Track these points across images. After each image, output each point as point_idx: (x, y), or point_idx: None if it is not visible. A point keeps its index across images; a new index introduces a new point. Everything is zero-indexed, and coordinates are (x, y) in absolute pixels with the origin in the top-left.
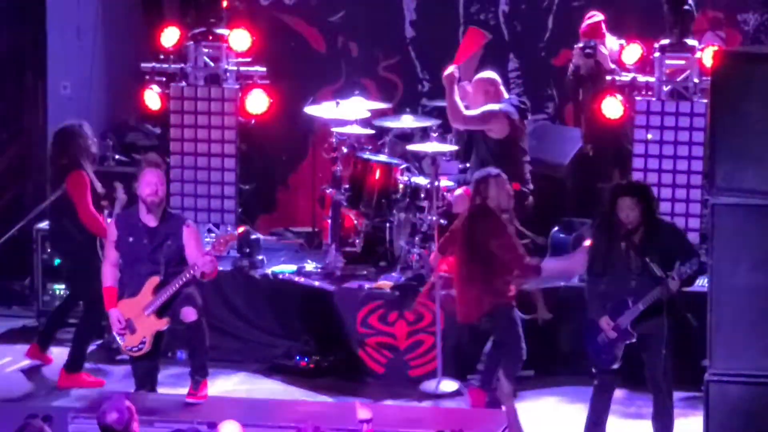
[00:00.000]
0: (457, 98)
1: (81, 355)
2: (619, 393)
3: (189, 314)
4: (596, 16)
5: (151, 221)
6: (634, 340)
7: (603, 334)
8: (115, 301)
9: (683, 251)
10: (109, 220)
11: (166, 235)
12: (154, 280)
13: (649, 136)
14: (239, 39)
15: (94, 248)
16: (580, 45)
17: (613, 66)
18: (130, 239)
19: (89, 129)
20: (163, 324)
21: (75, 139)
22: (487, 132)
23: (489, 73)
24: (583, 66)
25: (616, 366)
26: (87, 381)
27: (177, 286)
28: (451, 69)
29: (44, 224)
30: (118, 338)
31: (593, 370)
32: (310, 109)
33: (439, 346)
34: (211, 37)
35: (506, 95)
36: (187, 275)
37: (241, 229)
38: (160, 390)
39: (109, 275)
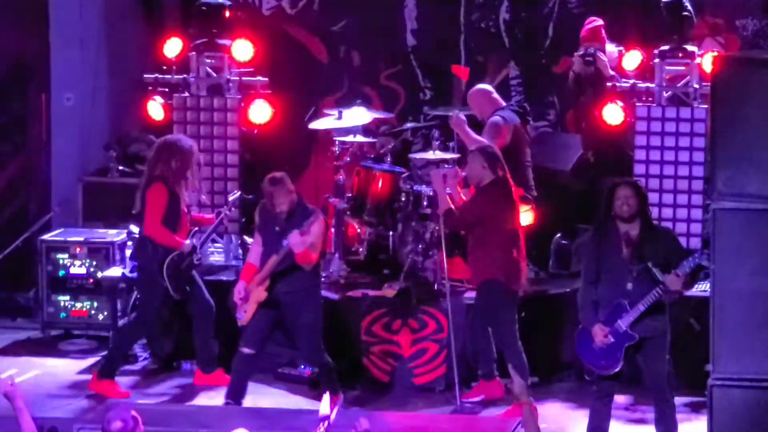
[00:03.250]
0: (473, 135)
1: (116, 362)
2: (623, 399)
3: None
4: (596, 21)
5: (284, 213)
6: (635, 342)
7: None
8: (248, 277)
9: (681, 254)
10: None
11: (295, 224)
12: (274, 258)
13: None
14: (241, 49)
15: (161, 264)
16: (580, 53)
17: (612, 72)
18: (266, 226)
19: (196, 148)
20: (263, 295)
21: (176, 153)
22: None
23: (481, 85)
24: (584, 73)
25: (616, 369)
26: (115, 390)
27: (275, 262)
28: (456, 113)
29: (48, 236)
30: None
31: (586, 377)
32: (313, 119)
33: (455, 363)
34: (213, 48)
35: (502, 102)
36: (282, 252)
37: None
38: (166, 400)
39: (253, 254)
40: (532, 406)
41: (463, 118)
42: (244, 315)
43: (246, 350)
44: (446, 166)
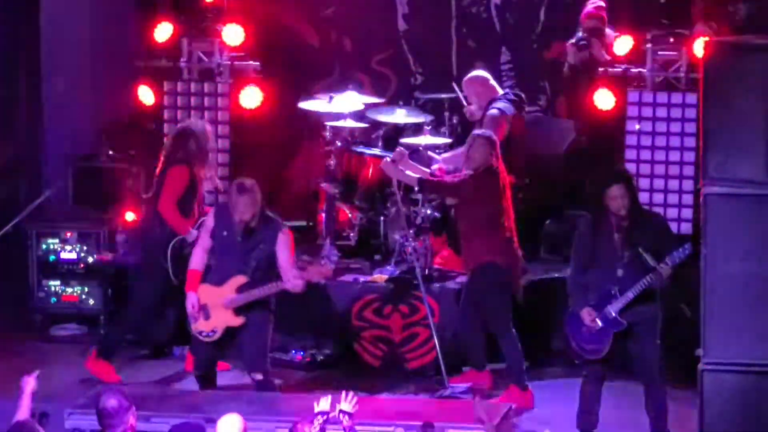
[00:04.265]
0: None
1: (115, 344)
2: (613, 383)
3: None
4: (599, 2)
5: (244, 222)
6: (623, 328)
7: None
8: (196, 285)
9: (671, 240)
10: None
11: (261, 238)
12: (240, 279)
13: (637, 126)
14: (232, 34)
15: (165, 250)
16: (572, 41)
17: (608, 57)
18: (225, 233)
19: (209, 128)
20: (238, 321)
21: (191, 135)
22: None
23: (477, 72)
24: (578, 61)
25: (604, 354)
26: (109, 374)
27: (262, 294)
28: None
29: (39, 221)
30: (190, 319)
31: (576, 362)
32: (304, 104)
33: (438, 347)
34: (204, 33)
35: (499, 90)
36: (275, 287)
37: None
38: (159, 385)
39: (197, 259)
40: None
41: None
42: (214, 335)
43: (198, 372)
44: (438, 150)
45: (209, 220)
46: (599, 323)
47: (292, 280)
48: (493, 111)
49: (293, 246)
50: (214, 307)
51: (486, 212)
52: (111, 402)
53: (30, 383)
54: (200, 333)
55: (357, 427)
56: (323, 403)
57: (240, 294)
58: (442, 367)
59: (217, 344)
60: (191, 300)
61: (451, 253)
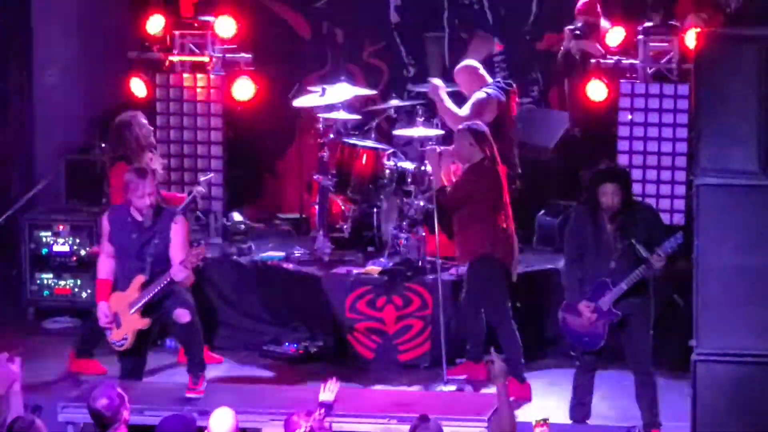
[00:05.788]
0: (449, 103)
1: (91, 340)
2: (606, 373)
3: (183, 316)
4: None
5: (140, 217)
6: (618, 319)
7: (583, 317)
8: (106, 295)
9: (662, 231)
10: None
11: (154, 231)
12: (140, 278)
13: (629, 117)
14: (225, 26)
15: None
16: (570, 27)
17: (603, 51)
18: (121, 234)
19: (143, 117)
20: (144, 324)
21: (129, 129)
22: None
23: (468, 61)
24: (574, 48)
25: (600, 346)
26: (93, 368)
27: (159, 288)
28: (436, 81)
29: (31, 213)
30: (106, 331)
31: (572, 353)
32: (297, 96)
33: (443, 338)
34: (196, 25)
35: (489, 78)
36: (165, 281)
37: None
38: (151, 378)
39: (102, 267)
40: (507, 385)
41: (440, 84)
42: (125, 342)
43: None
44: (430, 142)
45: (105, 226)
46: (594, 315)
47: (175, 271)
48: (480, 94)
49: (187, 234)
50: (123, 314)
51: (481, 204)
52: (102, 401)
53: (13, 379)
54: (114, 344)
55: (352, 420)
56: (327, 394)
57: (141, 294)
58: (444, 359)
59: (137, 350)
60: (101, 310)
61: (444, 239)
